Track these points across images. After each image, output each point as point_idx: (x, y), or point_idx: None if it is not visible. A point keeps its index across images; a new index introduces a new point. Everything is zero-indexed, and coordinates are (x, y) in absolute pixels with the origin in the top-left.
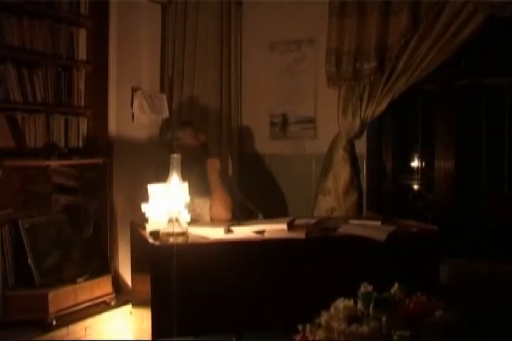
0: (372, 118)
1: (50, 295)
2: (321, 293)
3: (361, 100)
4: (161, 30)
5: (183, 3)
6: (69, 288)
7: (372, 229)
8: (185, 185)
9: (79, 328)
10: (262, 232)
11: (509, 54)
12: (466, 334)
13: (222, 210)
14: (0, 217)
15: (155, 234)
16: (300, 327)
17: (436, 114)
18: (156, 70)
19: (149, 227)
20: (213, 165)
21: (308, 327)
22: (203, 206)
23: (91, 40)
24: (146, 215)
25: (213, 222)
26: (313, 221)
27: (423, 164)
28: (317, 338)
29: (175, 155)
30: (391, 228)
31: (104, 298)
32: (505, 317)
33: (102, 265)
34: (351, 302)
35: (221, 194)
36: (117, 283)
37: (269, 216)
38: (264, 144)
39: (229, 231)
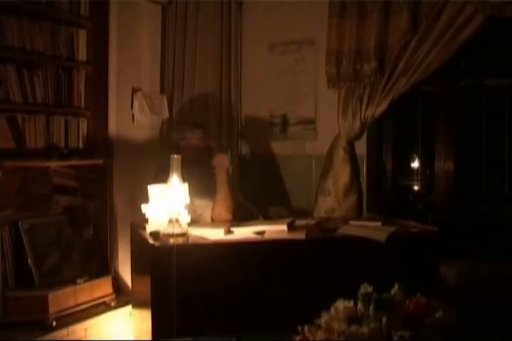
0: (372, 119)
1: (50, 295)
2: (321, 293)
3: (361, 101)
4: (161, 31)
5: (183, 4)
6: (69, 289)
7: (373, 229)
8: (186, 186)
9: (79, 329)
10: (262, 233)
11: (509, 55)
12: (466, 335)
13: (223, 211)
14: (0, 218)
15: (155, 235)
16: (299, 328)
17: (436, 115)
18: (157, 71)
19: (149, 228)
20: (221, 162)
21: (307, 327)
22: (205, 207)
23: (91, 41)
24: (146, 216)
25: (214, 222)
26: (313, 222)
27: (423, 165)
28: (317, 339)
29: (175, 156)
30: (391, 229)
31: (104, 299)
32: (505, 317)
33: (102, 266)
34: (351, 303)
35: (224, 195)
36: (117, 284)
37: (269, 217)
38: (265, 145)
39: (229, 232)
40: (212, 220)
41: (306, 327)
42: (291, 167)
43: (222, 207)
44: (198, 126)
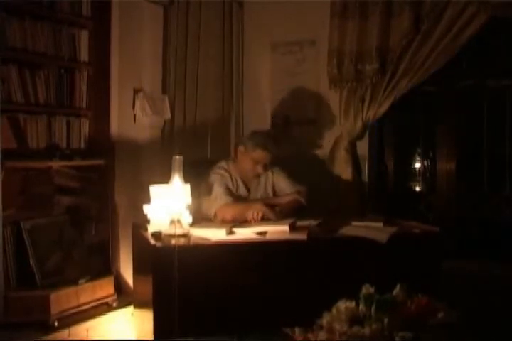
0: (373, 120)
1: (52, 296)
2: (322, 294)
3: (363, 101)
4: (162, 31)
5: (185, 4)
6: (71, 290)
7: (374, 230)
8: (188, 187)
9: (81, 329)
10: (263, 234)
11: (511, 55)
12: (467, 336)
13: (228, 215)
14: (2, 218)
15: (157, 236)
16: (289, 330)
17: (437, 115)
18: (158, 71)
19: (151, 228)
20: (297, 202)
21: (303, 329)
22: (208, 205)
23: (93, 42)
24: (148, 216)
25: (215, 222)
26: (314, 222)
27: (425, 165)
28: (319, 339)
29: (177, 156)
30: (393, 229)
31: (106, 299)
32: (506, 318)
33: (103, 266)
34: (353, 304)
35: (246, 208)
36: (119, 285)
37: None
38: None
39: (231, 232)
40: (213, 219)
41: (301, 329)
42: (292, 168)
43: (232, 210)
44: (264, 149)
